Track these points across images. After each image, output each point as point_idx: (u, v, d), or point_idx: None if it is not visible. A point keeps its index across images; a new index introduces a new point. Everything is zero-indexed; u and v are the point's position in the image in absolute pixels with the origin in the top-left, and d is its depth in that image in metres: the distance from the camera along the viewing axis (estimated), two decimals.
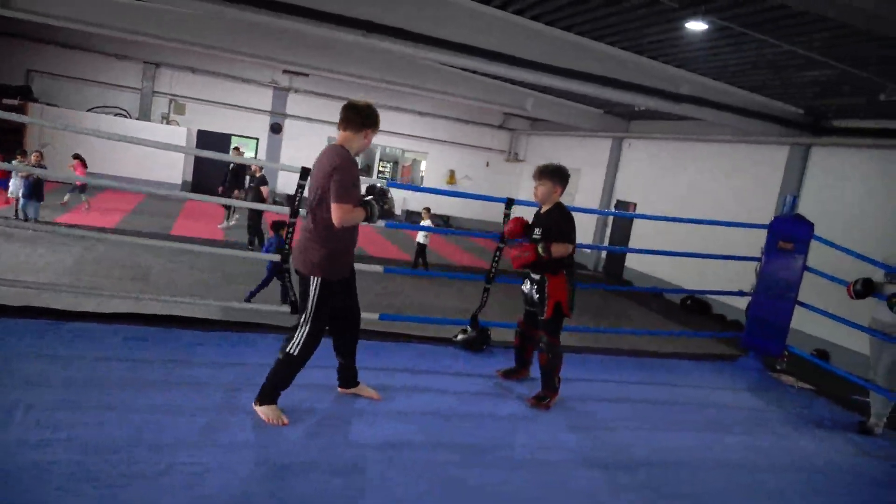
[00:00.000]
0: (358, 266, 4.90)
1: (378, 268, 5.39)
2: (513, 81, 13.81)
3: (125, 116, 17.74)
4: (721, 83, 10.11)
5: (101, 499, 2.37)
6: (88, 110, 17.36)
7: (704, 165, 13.48)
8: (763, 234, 5.87)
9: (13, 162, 10.80)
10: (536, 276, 4.00)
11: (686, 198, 13.45)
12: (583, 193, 17.68)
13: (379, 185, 3.66)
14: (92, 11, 11.53)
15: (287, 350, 3.20)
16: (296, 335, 3.21)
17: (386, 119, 18.57)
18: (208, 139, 18.13)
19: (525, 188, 19.99)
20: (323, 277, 3.23)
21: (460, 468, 3.09)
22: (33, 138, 15.99)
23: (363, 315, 3.71)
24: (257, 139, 19.26)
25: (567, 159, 18.53)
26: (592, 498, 3.05)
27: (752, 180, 12.15)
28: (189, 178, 18.22)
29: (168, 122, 18.25)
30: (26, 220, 10.27)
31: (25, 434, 2.67)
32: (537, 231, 3.96)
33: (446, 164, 21.16)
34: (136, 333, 4.05)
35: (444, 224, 20.30)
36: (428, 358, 4.62)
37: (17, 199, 10.54)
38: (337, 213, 3.09)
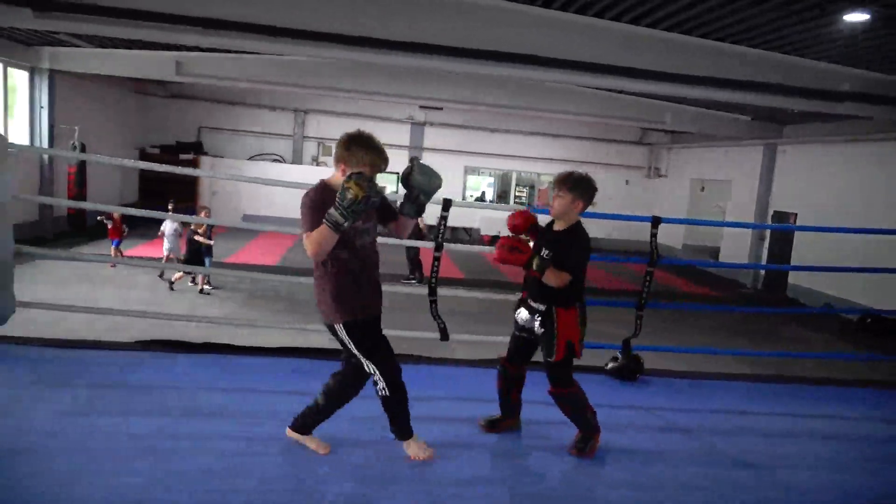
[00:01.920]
0: (495, 296, 4.92)
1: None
2: (649, 95, 13.36)
3: (280, 161, 19.36)
4: (891, 76, 9.10)
5: None
6: (249, 158, 19.15)
7: (876, 168, 12.16)
8: None
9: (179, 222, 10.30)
10: (541, 307, 3.30)
11: (855, 205, 12.17)
12: (734, 206, 16.60)
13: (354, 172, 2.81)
14: (249, 69, 12.83)
15: (381, 395, 3.03)
16: (377, 382, 3.00)
17: (519, 144, 18.83)
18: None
19: (669, 205, 19.15)
20: (344, 321, 2.93)
21: None
22: (205, 187, 17.91)
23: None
24: (397, 174, 20.09)
25: (714, 171, 17.64)
26: None
27: None
28: None
29: (318, 164, 19.66)
30: (193, 280, 10.21)
31: (211, 463, 2.94)
32: (546, 253, 3.23)
33: None
34: (301, 366, 4.33)
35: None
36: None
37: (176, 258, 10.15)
38: (305, 243, 2.79)
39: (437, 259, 4.60)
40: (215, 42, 7.66)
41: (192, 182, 17.48)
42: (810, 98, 9.29)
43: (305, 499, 2.73)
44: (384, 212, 3.11)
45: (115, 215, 10.90)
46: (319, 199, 2.81)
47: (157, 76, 13.77)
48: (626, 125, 17.99)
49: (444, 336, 4.63)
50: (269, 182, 5.60)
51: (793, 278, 14.09)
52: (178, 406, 3.52)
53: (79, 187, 12.74)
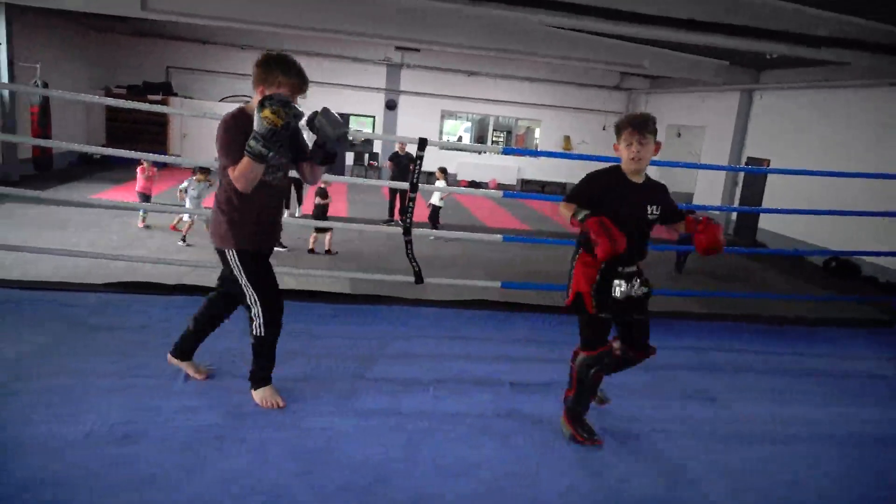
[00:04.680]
0: (478, 235, 4.94)
1: (497, 237, 5.40)
2: (629, 39, 13.19)
3: None
4: (869, 21, 9.08)
5: (253, 453, 2.62)
6: (221, 100, 18.63)
7: (852, 115, 12.25)
8: None
9: (192, 180, 9.50)
10: (635, 269, 2.98)
11: (829, 151, 12.32)
12: (709, 151, 16.71)
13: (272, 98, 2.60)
14: (218, 6, 12.34)
15: (255, 334, 2.95)
16: (253, 319, 2.92)
17: (497, 88, 18.46)
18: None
19: None
20: (237, 248, 2.86)
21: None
22: (175, 129, 17.46)
23: (485, 284, 3.75)
24: (374, 117, 19.82)
25: (690, 116, 17.63)
26: (715, 473, 2.94)
27: None
28: None
29: None
30: None
31: (181, 401, 2.99)
32: (653, 210, 2.95)
33: (561, 130, 20.69)
34: None
35: (561, 191, 19.97)
36: (550, 327, 4.61)
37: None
38: (232, 178, 2.70)
39: (411, 200, 4.58)
40: None
41: (163, 125, 17.03)
42: (788, 42, 9.29)
43: (234, 421, 2.80)
44: (296, 150, 2.98)
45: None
46: (236, 128, 2.70)
47: (121, 12, 13.19)
48: (605, 70, 17.84)
49: (419, 279, 4.66)
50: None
51: (763, 223, 14.34)
52: (150, 345, 3.53)
53: (42, 128, 12.34)
